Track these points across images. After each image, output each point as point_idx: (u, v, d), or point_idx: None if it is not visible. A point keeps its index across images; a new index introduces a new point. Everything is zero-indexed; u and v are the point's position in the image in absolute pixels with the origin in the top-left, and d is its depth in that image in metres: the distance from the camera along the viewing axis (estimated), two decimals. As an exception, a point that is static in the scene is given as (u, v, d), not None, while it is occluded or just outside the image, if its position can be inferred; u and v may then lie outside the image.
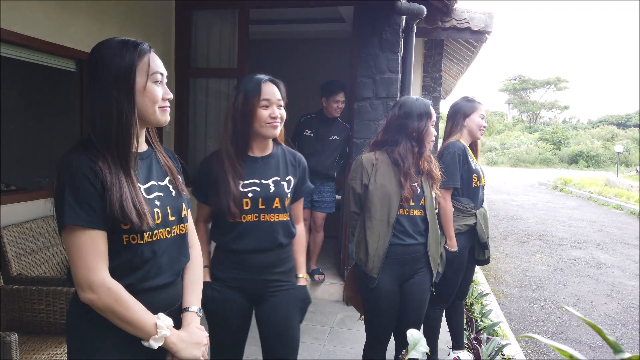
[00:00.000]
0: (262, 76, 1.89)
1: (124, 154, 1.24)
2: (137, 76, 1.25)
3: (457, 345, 3.18)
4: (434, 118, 2.29)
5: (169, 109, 1.34)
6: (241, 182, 1.84)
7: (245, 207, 1.83)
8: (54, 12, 3.01)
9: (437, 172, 2.34)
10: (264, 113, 1.84)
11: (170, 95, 1.33)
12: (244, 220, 1.85)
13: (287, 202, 1.92)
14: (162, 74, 1.31)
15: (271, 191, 1.90)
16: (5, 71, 3.89)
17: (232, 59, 4.40)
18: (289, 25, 5.81)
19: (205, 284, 1.80)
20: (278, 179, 1.93)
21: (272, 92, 1.87)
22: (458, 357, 3.13)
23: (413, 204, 2.27)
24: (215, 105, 4.55)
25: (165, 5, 4.28)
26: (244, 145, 1.88)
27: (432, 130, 2.27)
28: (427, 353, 0.82)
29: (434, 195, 2.36)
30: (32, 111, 4.62)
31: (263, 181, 1.89)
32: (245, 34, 4.33)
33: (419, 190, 2.28)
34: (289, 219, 1.95)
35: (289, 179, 1.95)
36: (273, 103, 1.86)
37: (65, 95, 4.06)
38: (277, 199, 1.90)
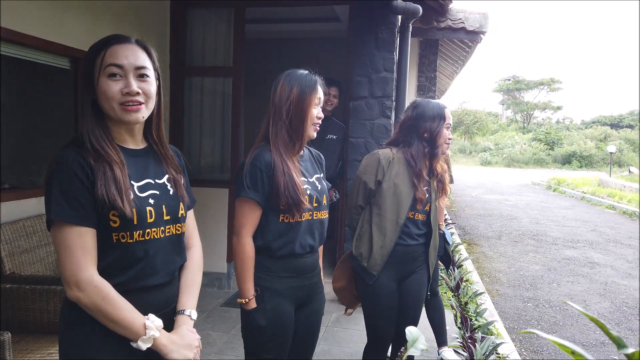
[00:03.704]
0: (313, 74, 1.79)
1: (103, 150, 1.23)
2: (95, 72, 1.23)
3: (440, 341, 3.17)
4: (449, 121, 2.27)
5: (137, 107, 1.24)
6: (301, 179, 1.76)
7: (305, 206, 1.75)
8: (49, 10, 2.99)
9: (447, 183, 2.33)
10: (314, 112, 1.75)
11: (130, 89, 1.22)
12: (303, 219, 1.77)
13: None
14: (118, 66, 1.22)
15: (319, 188, 1.84)
16: (-1, 68, 3.85)
17: (228, 57, 4.39)
18: (284, 25, 5.80)
19: (253, 310, 1.74)
20: (319, 176, 1.89)
21: (321, 91, 1.79)
22: (442, 357, 3.13)
23: (419, 208, 2.27)
24: (210, 104, 4.53)
25: (161, 3, 4.26)
26: (300, 140, 1.77)
27: (446, 132, 2.25)
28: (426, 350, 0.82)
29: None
30: (25, 109, 4.58)
31: (309, 179, 1.83)
32: (241, 32, 4.31)
33: (427, 195, 2.28)
34: (328, 216, 1.91)
35: (323, 177, 1.93)
36: (320, 102, 1.79)
37: (59, 93, 4.02)
38: (324, 196, 1.86)
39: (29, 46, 2.91)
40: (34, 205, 2.96)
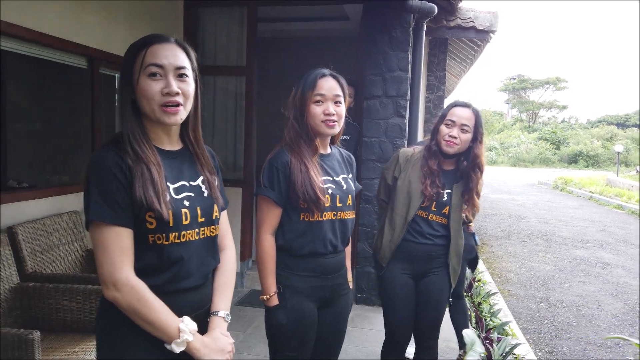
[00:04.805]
0: (322, 70, 1.78)
1: (141, 150, 1.23)
2: (134, 72, 1.23)
3: (462, 343, 3.17)
4: (452, 118, 2.23)
5: (176, 109, 1.24)
6: (320, 178, 1.74)
7: (326, 204, 1.73)
8: (66, 9, 2.99)
9: (476, 197, 2.30)
10: (317, 109, 1.73)
11: (170, 89, 1.22)
12: (324, 219, 1.76)
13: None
14: (159, 66, 1.22)
15: (344, 188, 1.83)
16: (15, 67, 3.87)
17: (241, 57, 4.39)
18: (295, 24, 5.79)
19: (275, 307, 1.75)
20: (346, 176, 1.87)
21: (329, 87, 1.74)
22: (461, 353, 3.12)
23: (435, 209, 2.27)
24: (223, 103, 4.54)
25: (174, 3, 4.26)
26: (310, 138, 1.76)
27: (444, 129, 2.23)
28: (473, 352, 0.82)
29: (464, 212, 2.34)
30: (41, 108, 4.60)
31: (335, 178, 1.82)
32: (253, 31, 4.31)
33: (445, 198, 2.27)
34: (354, 217, 1.89)
35: (351, 177, 1.91)
36: (328, 99, 1.73)
37: (75, 92, 4.04)
38: (349, 196, 1.84)
39: (46, 45, 2.92)
40: (53, 204, 2.97)
